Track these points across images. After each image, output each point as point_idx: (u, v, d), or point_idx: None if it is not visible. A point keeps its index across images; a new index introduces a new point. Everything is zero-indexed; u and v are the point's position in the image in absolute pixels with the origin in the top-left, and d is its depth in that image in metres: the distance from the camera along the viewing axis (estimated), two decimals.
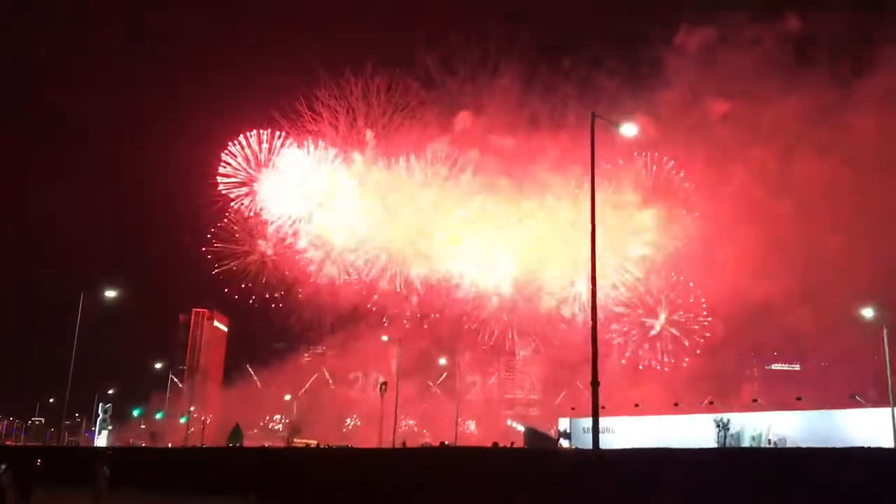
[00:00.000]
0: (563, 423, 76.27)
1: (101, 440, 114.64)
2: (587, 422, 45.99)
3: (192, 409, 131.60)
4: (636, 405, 75.76)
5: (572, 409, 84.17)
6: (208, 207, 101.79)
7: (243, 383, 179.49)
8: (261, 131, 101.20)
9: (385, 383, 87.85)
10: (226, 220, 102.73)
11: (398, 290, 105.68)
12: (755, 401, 78.89)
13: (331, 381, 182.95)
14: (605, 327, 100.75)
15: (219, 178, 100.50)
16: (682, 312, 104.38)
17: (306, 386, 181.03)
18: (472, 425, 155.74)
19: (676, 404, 72.98)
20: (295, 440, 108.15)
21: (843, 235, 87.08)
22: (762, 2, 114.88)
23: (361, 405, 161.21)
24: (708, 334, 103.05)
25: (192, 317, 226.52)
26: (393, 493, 31.60)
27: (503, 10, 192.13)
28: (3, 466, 31.04)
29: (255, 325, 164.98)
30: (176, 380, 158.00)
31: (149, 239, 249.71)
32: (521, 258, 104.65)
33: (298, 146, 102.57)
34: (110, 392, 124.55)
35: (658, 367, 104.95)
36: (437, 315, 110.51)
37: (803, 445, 43.85)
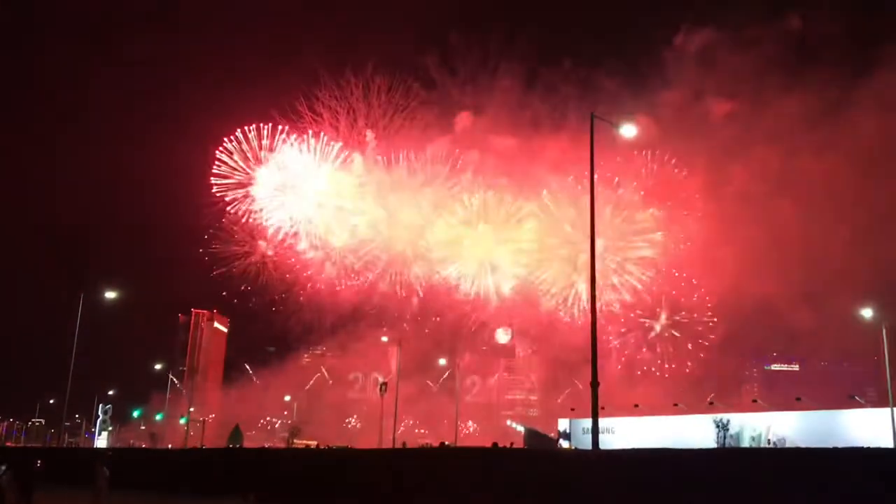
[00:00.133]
0: (563, 424, 76.18)
1: (102, 441, 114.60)
2: (587, 422, 45.96)
3: (191, 409, 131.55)
4: (636, 406, 75.72)
5: (572, 409, 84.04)
6: (209, 208, 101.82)
7: (243, 384, 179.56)
8: (261, 125, 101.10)
9: (385, 384, 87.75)
10: (225, 221, 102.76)
11: (398, 291, 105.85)
12: (755, 401, 78.81)
13: (330, 381, 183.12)
14: (605, 328, 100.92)
15: (213, 180, 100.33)
16: (684, 312, 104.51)
17: (307, 387, 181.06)
18: (472, 426, 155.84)
19: (676, 404, 72.92)
20: (295, 441, 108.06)
21: (843, 236, 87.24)
22: (763, 2, 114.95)
23: (361, 406, 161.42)
24: (712, 336, 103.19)
25: (192, 317, 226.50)
26: (393, 493, 31.62)
27: (504, 11, 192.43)
28: (4, 467, 31.03)
29: (255, 325, 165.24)
30: (176, 381, 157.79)
31: (149, 239, 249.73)
32: (521, 259, 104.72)
33: (298, 146, 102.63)
34: (110, 393, 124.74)
35: (657, 373, 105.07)
36: (438, 319, 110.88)
37: (803, 446, 43.90)
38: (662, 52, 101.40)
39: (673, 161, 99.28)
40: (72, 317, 68.51)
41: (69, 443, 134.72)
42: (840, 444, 33.73)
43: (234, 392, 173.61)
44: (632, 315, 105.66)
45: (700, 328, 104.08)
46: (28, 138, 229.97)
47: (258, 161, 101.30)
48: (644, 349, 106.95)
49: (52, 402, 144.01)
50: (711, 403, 75.35)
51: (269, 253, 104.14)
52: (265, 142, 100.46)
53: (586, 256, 33.89)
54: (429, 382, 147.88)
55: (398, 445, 79.05)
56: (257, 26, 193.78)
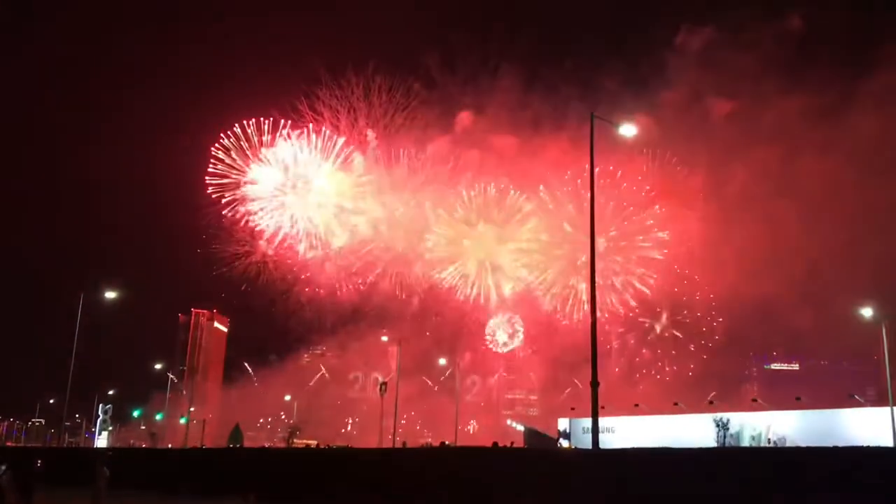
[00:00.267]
0: (563, 423, 76.24)
1: (102, 441, 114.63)
2: (587, 421, 45.97)
3: (192, 409, 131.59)
4: (636, 405, 75.78)
5: (572, 408, 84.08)
6: (209, 207, 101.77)
7: (243, 384, 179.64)
8: (261, 119, 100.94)
9: (385, 383, 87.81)
10: (225, 221, 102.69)
11: (398, 291, 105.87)
12: (755, 400, 78.79)
13: (327, 376, 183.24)
14: (605, 328, 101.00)
15: (211, 180, 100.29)
16: (686, 312, 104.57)
17: (308, 386, 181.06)
18: (473, 425, 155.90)
19: (676, 404, 72.96)
20: (295, 440, 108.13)
21: (843, 235, 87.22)
22: (763, 1, 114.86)
23: (361, 405, 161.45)
24: (717, 337, 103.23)
25: (192, 317, 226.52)
26: (393, 492, 31.63)
27: (503, 11, 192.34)
28: (4, 467, 31.01)
29: (256, 325, 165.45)
30: (176, 380, 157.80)
31: (149, 239, 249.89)
32: (521, 258, 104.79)
33: (299, 145, 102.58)
34: (110, 393, 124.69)
35: (658, 376, 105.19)
36: (437, 317, 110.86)
37: (802, 445, 43.91)
38: (663, 52, 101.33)
39: (674, 161, 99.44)
40: (72, 317, 68.57)
41: (69, 443, 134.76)
42: (840, 444, 33.78)
43: (234, 392, 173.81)
44: (630, 315, 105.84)
45: (704, 329, 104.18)
46: (28, 138, 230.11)
47: (258, 159, 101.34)
48: (644, 350, 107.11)
49: (52, 401, 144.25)
50: (711, 403, 75.50)
51: (270, 252, 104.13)
52: (266, 137, 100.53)
53: (586, 256, 33.87)
54: (428, 381, 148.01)
55: (398, 445, 79.11)
56: (258, 26, 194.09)
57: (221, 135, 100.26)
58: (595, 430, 30.15)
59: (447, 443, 79.00)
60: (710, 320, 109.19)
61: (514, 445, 58.92)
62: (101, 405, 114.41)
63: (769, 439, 58.61)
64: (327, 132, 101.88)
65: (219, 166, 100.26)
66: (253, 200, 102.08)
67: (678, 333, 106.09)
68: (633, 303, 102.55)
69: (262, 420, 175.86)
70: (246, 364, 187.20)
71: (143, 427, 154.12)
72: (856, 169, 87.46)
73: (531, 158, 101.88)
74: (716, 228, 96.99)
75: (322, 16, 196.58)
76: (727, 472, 23.26)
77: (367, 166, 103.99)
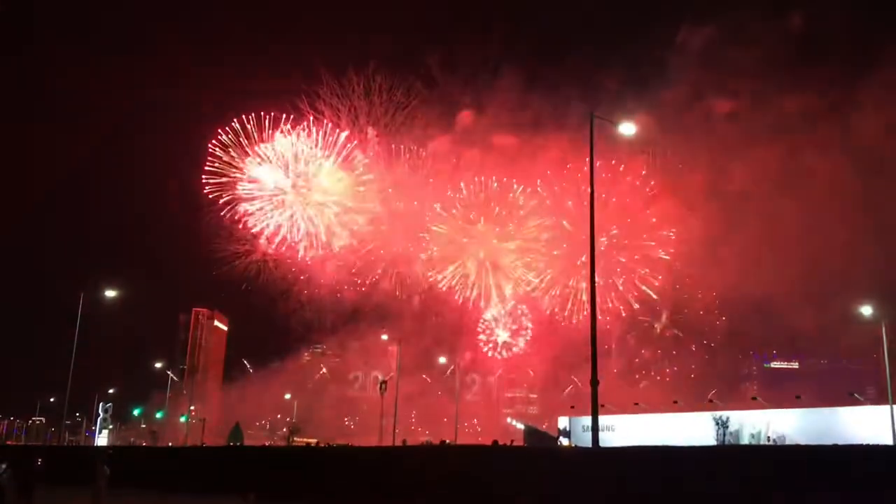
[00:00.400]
0: (563, 422, 76.29)
1: (102, 439, 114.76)
2: (587, 420, 46.05)
3: (192, 408, 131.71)
4: (636, 403, 75.82)
5: (572, 407, 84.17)
6: (209, 207, 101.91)
7: (243, 382, 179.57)
8: (262, 114, 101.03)
9: (385, 382, 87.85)
10: (226, 220, 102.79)
11: (398, 290, 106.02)
12: (754, 398, 78.83)
13: (326, 373, 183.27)
14: (605, 327, 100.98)
15: (211, 179, 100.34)
16: (686, 311, 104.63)
17: (308, 386, 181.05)
18: (474, 423, 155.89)
19: (676, 402, 73.00)
20: (295, 439, 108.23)
21: (843, 234, 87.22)
22: (763, 0, 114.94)
23: (361, 404, 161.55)
24: (719, 337, 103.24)
25: (193, 316, 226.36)
26: (393, 491, 31.66)
27: (504, 11, 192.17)
28: (4, 466, 31.02)
29: (256, 324, 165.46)
30: (176, 379, 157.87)
31: (149, 238, 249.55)
32: (522, 257, 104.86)
33: (299, 144, 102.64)
34: (111, 391, 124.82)
35: (658, 378, 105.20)
36: (436, 317, 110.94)
37: (802, 443, 43.95)
38: (663, 52, 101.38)
39: (674, 160, 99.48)
40: (72, 316, 68.59)
41: (69, 441, 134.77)
42: (840, 442, 33.85)
43: (234, 390, 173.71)
44: (633, 314, 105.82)
45: (702, 325, 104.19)
46: (28, 138, 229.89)
47: (259, 156, 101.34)
48: (644, 351, 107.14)
49: (52, 400, 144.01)
50: (711, 401, 75.44)
51: (270, 251, 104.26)
52: (266, 133, 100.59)
53: (586, 255, 33.90)
54: (428, 380, 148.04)
55: (398, 443, 79.13)
56: (258, 26, 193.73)
57: (221, 132, 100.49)
58: (595, 429, 30.18)
59: (447, 441, 79.05)
60: (711, 319, 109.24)
61: (514, 444, 58.94)
62: (101, 404, 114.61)
63: (769, 438, 58.64)
64: (329, 127, 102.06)
65: (218, 164, 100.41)
66: (253, 199, 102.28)
67: (678, 332, 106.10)
68: (636, 305, 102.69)
69: (262, 419, 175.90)
70: (246, 363, 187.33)
71: (144, 426, 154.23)
72: (856, 168, 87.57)
73: (532, 157, 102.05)
74: (716, 227, 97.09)
75: (323, 15, 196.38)
76: (727, 471, 23.27)
77: (368, 165, 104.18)
